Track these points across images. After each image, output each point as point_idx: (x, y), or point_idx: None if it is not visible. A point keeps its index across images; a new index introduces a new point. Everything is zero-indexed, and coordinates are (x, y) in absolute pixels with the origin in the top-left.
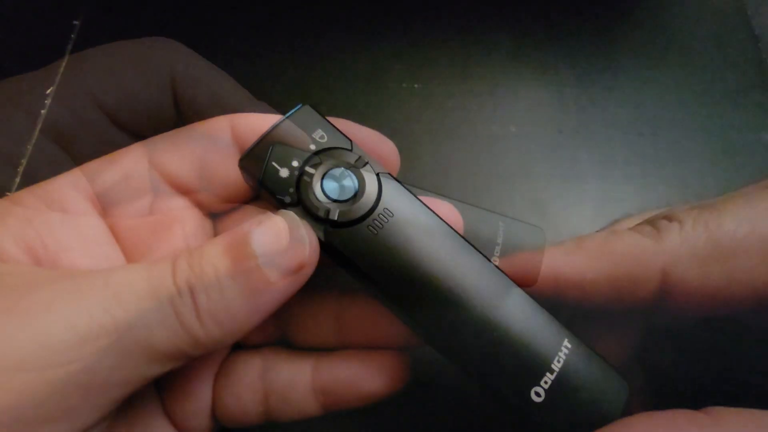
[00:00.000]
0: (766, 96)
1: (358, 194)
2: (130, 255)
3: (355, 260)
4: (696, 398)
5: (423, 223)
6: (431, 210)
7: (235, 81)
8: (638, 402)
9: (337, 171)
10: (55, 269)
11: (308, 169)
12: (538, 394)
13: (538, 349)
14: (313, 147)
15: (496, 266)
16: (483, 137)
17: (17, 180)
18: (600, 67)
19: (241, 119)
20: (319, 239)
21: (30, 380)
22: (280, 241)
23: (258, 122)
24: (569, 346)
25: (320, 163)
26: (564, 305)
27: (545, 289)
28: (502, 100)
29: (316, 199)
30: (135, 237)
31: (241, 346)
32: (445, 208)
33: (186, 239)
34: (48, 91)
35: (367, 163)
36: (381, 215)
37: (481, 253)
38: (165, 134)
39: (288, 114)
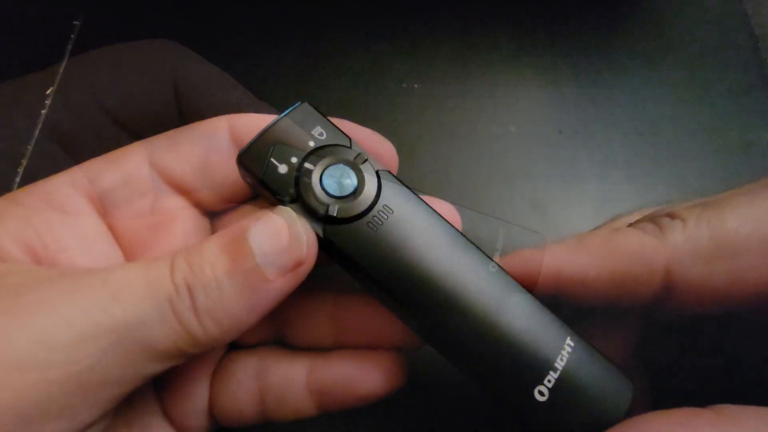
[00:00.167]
0: (766, 96)
1: (357, 191)
2: (128, 254)
3: (354, 257)
4: (697, 396)
5: (423, 221)
6: (431, 208)
7: (236, 82)
8: (638, 401)
9: (337, 167)
10: (54, 268)
11: (307, 165)
12: (541, 393)
13: (540, 347)
14: (312, 144)
15: (497, 264)
16: (483, 137)
17: (17, 180)
18: (600, 67)
19: (239, 119)
20: (318, 236)
21: (30, 379)
22: (278, 238)
23: (257, 122)
24: (572, 344)
25: (319, 160)
26: (565, 303)
27: (547, 288)
28: (502, 100)
29: (315, 195)
30: (134, 236)
31: (238, 345)
32: (445, 207)
33: (185, 238)
34: (48, 92)
35: (366, 160)
36: (381, 212)
37: (481, 250)
38: (164, 134)
39: (287, 111)
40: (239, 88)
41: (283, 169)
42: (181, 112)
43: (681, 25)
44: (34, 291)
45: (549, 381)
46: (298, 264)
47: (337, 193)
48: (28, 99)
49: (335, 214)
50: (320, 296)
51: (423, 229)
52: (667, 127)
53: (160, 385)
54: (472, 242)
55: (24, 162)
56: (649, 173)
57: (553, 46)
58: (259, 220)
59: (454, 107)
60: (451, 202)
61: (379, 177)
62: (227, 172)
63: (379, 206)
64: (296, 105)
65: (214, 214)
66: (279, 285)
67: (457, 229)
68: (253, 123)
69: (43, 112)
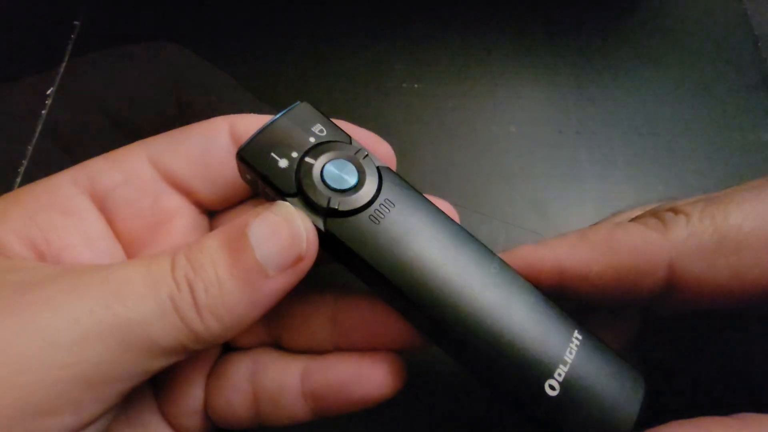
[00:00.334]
0: (766, 96)
1: (358, 184)
2: (128, 252)
3: (356, 250)
4: (698, 396)
5: (425, 215)
6: (432, 203)
7: (237, 84)
8: None
9: (338, 162)
10: (58, 265)
11: (308, 160)
12: (552, 388)
13: (548, 340)
14: (312, 140)
15: (500, 257)
16: (483, 137)
17: (18, 180)
18: (600, 67)
19: (239, 119)
20: (320, 230)
21: (35, 376)
22: (278, 233)
23: (256, 123)
24: (580, 337)
25: (320, 155)
26: (566, 298)
27: (549, 283)
28: (502, 100)
29: (317, 189)
30: (134, 234)
31: (235, 347)
32: (444, 207)
33: (184, 237)
34: (48, 92)
35: (367, 155)
36: (382, 205)
37: (483, 244)
38: (164, 134)
39: (287, 109)
40: (239, 90)
41: (283, 163)
42: (182, 114)
43: (681, 26)
44: (38, 289)
45: (559, 375)
46: (299, 260)
47: (338, 187)
48: (28, 99)
49: (337, 207)
50: (320, 298)
51: (425, 222)
52: (667, 127)
53: (157, 385)
54: (474, 236)
55: (24, 162)
56: (649, 173)
57: (553, 46)
58: (258, 215)
59: (454, 107)
60: (451, 203)
61: (379, 171)
62: (227, 171)
63: (380, 200)
64: (296, 104)
65: (213, 213)
66: (279, 281)
67: (459, 224)
68: (254, 123)
69: (43, 112)
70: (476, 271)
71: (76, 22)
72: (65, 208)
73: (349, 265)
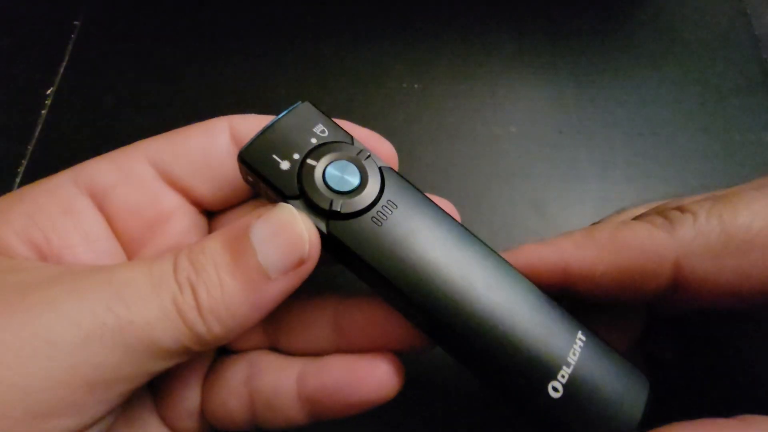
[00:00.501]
0: (766, 96)
1: (361, 186)
2: (128, 252)
3: (359, 253)
4: (699, 393)
5: (428, 216)
6: (435, 204)
7: None
8: None
9: (340, 163)
10: (60, 265)
11: (310, 161)
12: (555, 389)
13: (552, 341)
14: (314, 141)
15: (503, 258)
16: (483, 137)
17: (18, 180)
18: (600, 67)
19: (240, 120)
20: (322, 232)
21: (36, 378)
22: (280, 235)
23: (256, 122)
24: (583, 338)
25: (322, 156)
26: (570, 298)
27: (553, 282)
28: (502, 100)
29: (319, 191)
30: (132, 234)
31: (232, 351)
32: (445, 204)
33: (183, 237)
34: (48, 92)
35: (369, 156)
36: (385, 207)
37: (486, 245)
38: (164, 134)
39: (288, 110)
40: None
41: (285, 165)
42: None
43: (681, 26)
44: (41, 290)
45: (563, 376)
46: (301, 262)
47: (340, 189)
48: (28, 99)
49: (339, 209)
50: (320, 299)
51: (428, 223)
52: (667, 127)
53: (154, 387)
54: (476, 237)
55: (24, 162)
56: (649, 173)
57: (553, 47)
58: (260, 217)
59: (454, 107)
60: (452, 203)
61: (382, 172)
62: (227, 172)
63: (383, 201)
64: (297, 104)
65: (213, 213)
66: (281, 283)
67: (461, 225)
68: (254, 124)
69: (43, 112)
70: (479, 272)
71: (76, 22)
72: (65, 208)
73: (351, 267)
